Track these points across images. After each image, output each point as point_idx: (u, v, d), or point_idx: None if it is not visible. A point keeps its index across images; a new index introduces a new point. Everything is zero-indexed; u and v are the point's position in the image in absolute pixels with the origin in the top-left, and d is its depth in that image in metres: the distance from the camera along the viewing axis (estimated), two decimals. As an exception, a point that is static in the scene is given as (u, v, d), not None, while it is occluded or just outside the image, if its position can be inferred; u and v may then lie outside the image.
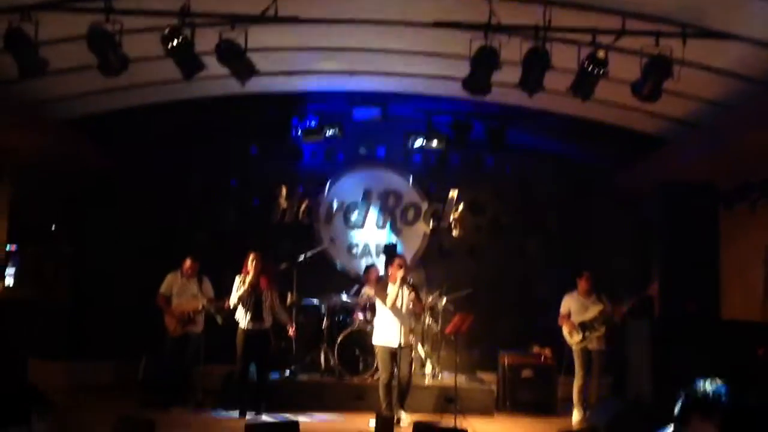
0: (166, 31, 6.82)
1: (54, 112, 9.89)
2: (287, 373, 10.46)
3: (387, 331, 8.94)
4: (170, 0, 6.83)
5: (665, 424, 3.26)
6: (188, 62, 7.17)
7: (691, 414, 3.09)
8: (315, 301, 11.00)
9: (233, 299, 9.32)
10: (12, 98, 8.89)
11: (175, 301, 9.93)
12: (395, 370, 8.92)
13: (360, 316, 10.73)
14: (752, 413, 2.99)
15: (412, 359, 9.36)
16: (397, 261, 9.16)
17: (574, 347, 9.63)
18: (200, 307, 9.78)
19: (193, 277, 9.98)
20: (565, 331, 9.67)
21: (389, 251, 11.73)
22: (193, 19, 6.84)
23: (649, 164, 10.69)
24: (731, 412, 3.00)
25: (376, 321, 9.20)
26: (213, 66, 7.22)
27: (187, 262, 9.98)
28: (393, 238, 12.51)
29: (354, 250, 12.62)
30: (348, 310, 11.05)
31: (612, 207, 12.14)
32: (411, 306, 9.07)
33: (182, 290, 9.98)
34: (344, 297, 11.09)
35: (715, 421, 3.01)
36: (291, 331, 10.02)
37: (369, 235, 12.62)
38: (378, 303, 9.16)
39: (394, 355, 8.89)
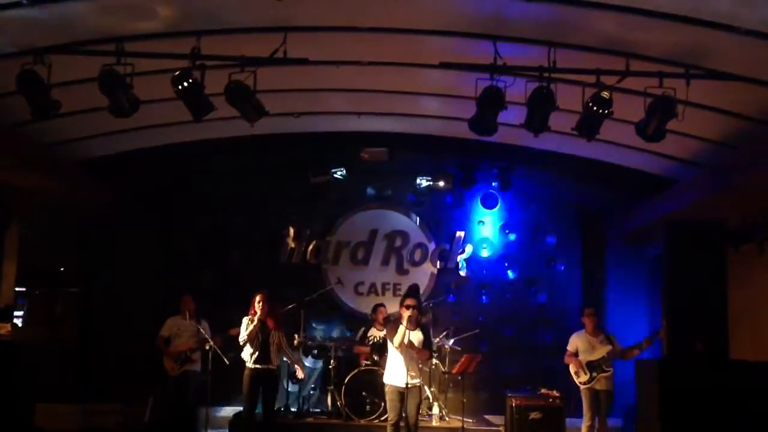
0: (177, 73, 6.91)
1: (65, 154, 9.99)
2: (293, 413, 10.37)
3: (396, 370, 8.87)
4: (181, 42, 6.95)
5: None
6: (198, 104, 7.23)
7: None
8: (322, 341, 10.93)
9: (242, 338, 9.25)
10: (24, 140, 9.00)
11: (174, 342, 9.99)
12: (403, 411, 8.83)
13: (367, 357, 10.68)
14: None
15: (420, 401, 9.26)
16: (406, 302, 9.07)
17: (581, 387, 9.55)
18: (195, 346, 9.78)
19: (192, 318, 9.99)
20: (572, 370, 9.59)
21: (409, 292, 11.61)
22: (203, 61, 6.93)
23: (656, 204, 10.70)
24: None
25: (388, 360, 9.13)
26: (223, 107, 7.30)
27: (184, 299, 10.03)
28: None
29: (360, 290, 12.59)
30: (355, 351, 11.01)
31: (620, 247, 12.11)
32: (417, 350, 8.95)
33: (181, 330, 10.02)
34: (351, 337, 11.02)
35: None
36: (299, 373, 9.89)
37: (375, 274, 12.60)
38: (389, 342, 9.11)
39: (402, 395, 8.82)
